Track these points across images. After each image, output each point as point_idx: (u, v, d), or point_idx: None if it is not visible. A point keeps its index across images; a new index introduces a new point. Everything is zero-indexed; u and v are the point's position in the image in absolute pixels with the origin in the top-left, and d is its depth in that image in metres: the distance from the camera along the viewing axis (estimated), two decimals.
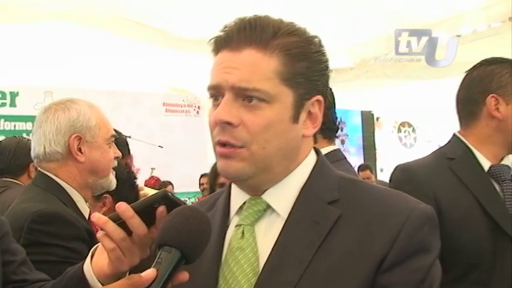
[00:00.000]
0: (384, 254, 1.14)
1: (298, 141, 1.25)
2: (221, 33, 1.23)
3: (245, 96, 1.18)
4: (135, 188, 2.88)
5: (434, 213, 1.22)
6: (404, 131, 13.36)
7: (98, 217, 1.21)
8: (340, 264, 1.15)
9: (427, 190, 1.98)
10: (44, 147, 2.08)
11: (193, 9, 6.94)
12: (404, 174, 2.12)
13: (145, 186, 5.35)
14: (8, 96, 8.92)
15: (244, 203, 1.27)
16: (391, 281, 1.13)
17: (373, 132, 12.44)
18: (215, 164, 1.26)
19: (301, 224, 1.21)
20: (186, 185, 8.64)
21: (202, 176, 7.31)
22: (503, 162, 2.12)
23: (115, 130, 2.30)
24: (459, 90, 2.20)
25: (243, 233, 1.24)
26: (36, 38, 7.96)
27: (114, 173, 2.24)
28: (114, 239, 1.19)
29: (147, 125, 9.50)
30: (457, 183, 2.05)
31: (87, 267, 1.26)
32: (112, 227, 1.19)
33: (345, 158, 2.39)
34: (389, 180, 2.19)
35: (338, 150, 2.36)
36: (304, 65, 1.22)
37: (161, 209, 1.19)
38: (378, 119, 12.66)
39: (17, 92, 8.95)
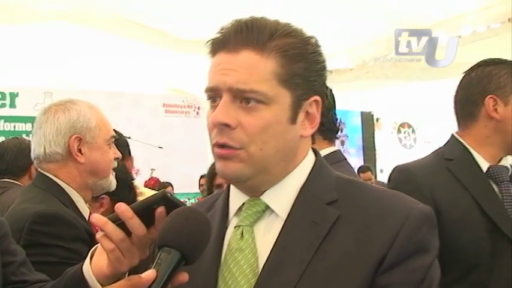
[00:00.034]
0: (383, 254, 1.14)
1: (296, 142, 1.25)
2: (218, 35, 1.23)
3: (243, 97, 1.18)
4: (132, 189, 2.87)
5: (432, 213, 1.22)
6: (404, 132, 13.37)
7: (97, 218, 1.21)
8: (340, 265, 1.15)
9: (426, 191, 1.98)
10: (44, 148, 2.08)
11: (193, 10, 6.94)
12: (402, 175, 2.12)
13: (145, 187, 5.36)
14: (8, 97, 8.92)
15: (243, 204, 1.28)
16: (391, 281, 1.14)
17: (373, 133, 12.45)
18: (212, 165, 1.27)
19: (300, 224, 1.21)
20: (186, 185, 8.65)
21: (202, 176, 7.31)
22: (502, 163, 2.12)
23: (115, 131, 2.30)
24: (457, 91, 2.21)
25: (242, 233, 1.24)
26: (36, 38, 7.96)
27: (114, 173, 2.24)
28: (113, 239, 1.19)
29: (146, 125, 9.51)
30: (455, 184, 2.05)
31: (87, 268, 1.26)
32: (111, 227, 1.19)
33: (345, 159, 2.39)
34: (388, 181, 2.19)
35: (338, 151, 2.36)
36: (302, 65, 1.22)
37: (160, 209, 1.19)
38: (377, 119, 12.67)
39: (17, 93, 8.96)
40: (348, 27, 7.25)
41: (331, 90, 2.32)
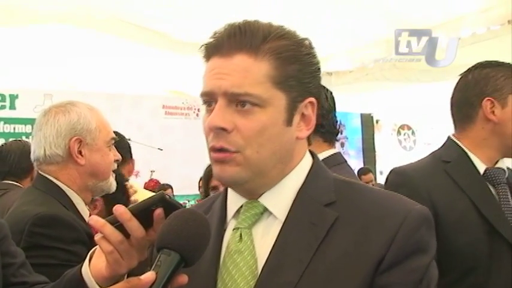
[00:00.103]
0: (382, 254, 1.15)
1: (292, 144, 1.26)
2: (211, 40, 1.23)
3: (238, 101, 1.19)
4: (126, 191, 2.86)
5: (430, 214, 1.23)
6: (404, 134, 13.36)
7: (96, 220, 1.21)
8: (339, 266, 1.16)
9: (423, 193, 1.98)
10: (44, 150, 2.08)
11: (193, 12, 6.95)
12: (399, 178, 2.12)
13: (145, 188, 5.35)
14: (8, 99, 8.89)
15: (241, 206, 1.28)
16: (390, 281, 1.14)
17: (373, 135, 12.43)
18: (208, 167, 1.28)
19: (298, 226, 1.22)
20: (186, 187, 8.63)
21: (201, 178, 7.29)
22: (498, 165, 2.13)
23: (117, 133, 2.30)
24: (454, 93, 2.21)
25: (240, 236, 1.24)
26: (36, 40, 7.98)
27: (114, 175, 2.24)
28: (111, 241, 1.19)
29: (146, 127, 9.48)
30: (452, 186, 2.05)
31: (86, 269, 1.26)
32: (110, 229, 1.19)
33: (346, 161, 2.39)
34: (385, 183, 2.19)
35: (338, 153, 2.36)
36: (296, 67, 1.22)
37: (158, 211, 1.19)
38: (377, 121, 12.66)
39: (17, 95, 8.93)
40: (347, 28, 7.26)
41: (331, 93, 2.33)
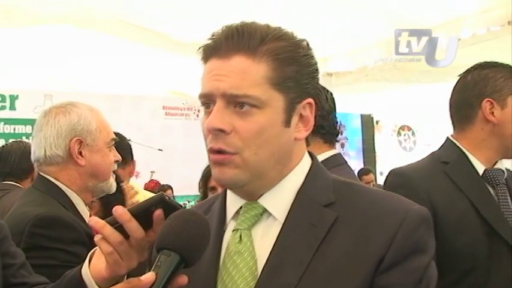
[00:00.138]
0: (382, 255, 1.16)
1: (291, 145, 1.26)
2: (209, 42, 1.24)
3: (236, 102, 1.19)
4: (122, 192, 2.85)
5: (429, 214, 1.24)
6: (404, 135, 13.36)
7: (95, 221, 1.21)
8: (339, 266, 1.16)
9: (422, 194, 1.98)
10: (45, 151, 2.08)
11: (193, 13, 6.95)
12: (398, 179, 2.12)
13: (145, 189, 5.35)
14: (8, 99, 8.89)
15: (241, 207, 1.28)
16: (390, 281, 1.15)
17: (373, 136, 12.44)
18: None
19: (298, 227, 1.22)
20: (186, 188, 8.62)
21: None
22: (497, 166, 2.13)
23: (118, 134, 2.30)
24: (453, 94, 2.21)
25: (240, 237, 1.25)
26: (36, 41, 7.98)
27: (114, 176, 2.24)
28: (111, 242, 1.19)
29: (146, 128, 9.48)
30: (451, 187, 2.05)
31: (85, 270, 1.26)
32: (109, 230, 1.19)
33: (346, 162, 2.39)
34: (384, 184, 2.19)
35: (339, 154, 2.36)
36: (294, 68, 1.23)
37: (158, 212, 1.19)
38: (377, 122, 12.67)
39: (17, 95, 8.93)
40: (348, 28, 7.26)
41: (331, 94, 2.32)
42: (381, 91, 9.90)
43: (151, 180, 8.33)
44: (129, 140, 4.10)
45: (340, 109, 2.40)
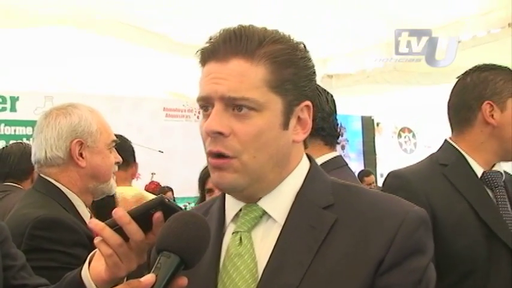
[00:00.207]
0: (382, 256, 1.16)
1: (289, 148, 1.27)
2: (207, 45, 1.24)
3: (235, 105, 1.19)
4: (113, 196, 2.83)
5: (427, 216, 1.24)
6: (405, 137, 13.36)
7: (95, 223, 1.22)
8: (339, 268, 1.17)
9: (421, 196, 1.98)
10: (45, 152, 2.08)
11: (194, 14, 6.96)
12: (397, 181, 2.11)
13: (146, 191, 5.35)
14: (8, 101, 8.91)
15: (240, 210, 1.29)
16: (390, 282, 1.16)
17: (373, 138, 12.44)
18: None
19: (298, 229, 1.23)
20: (186, 189, 8.62)
21: None
22: (495, 169, 2.13)
23: (120, 136, 2.30)
24: (451, 96, 2.20)
25: (240, 239, 1.25)
26: (37, 42, 7.99)
27: (114, 177, 2.24)
28: (111, 245, 1.20)
29: (147, 129, 9.48)
30: (450, 190, 2.05)
31: (85, 272, 1.26)
32: (109, 233, 1.19)
33: (347, 164, 2.38)
34: (382, 186, 2.19)
35: (340, 156, 2.35)
36: (291, 71, 1.23)
37: (158, 214, 1.20)
38: (378, 124, 12.67)
39: (17, 97, 8.94)
40: (348, 32, 7.26)
41: (331, 96, 2.32)
42: (382, 93, 9.90)
43: (152, 182, 8.34)
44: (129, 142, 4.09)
45: (340, 111, 2.40)
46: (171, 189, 8.03)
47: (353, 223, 1.21)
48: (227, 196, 1.33)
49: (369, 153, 12.22)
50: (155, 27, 7.75)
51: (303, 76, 1.26)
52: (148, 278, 1.10)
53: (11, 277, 1.61)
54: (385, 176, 2.23)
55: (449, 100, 2.21)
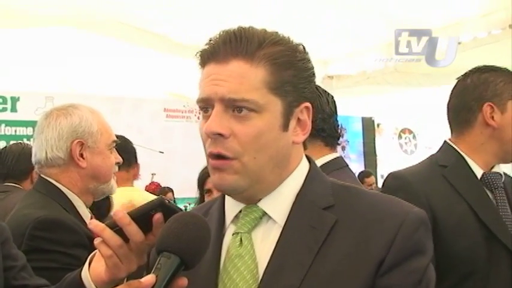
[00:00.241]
0: (382, 257, 1.17)
1: (289, 149, 1.27)
2: (206, 47, 1.25)
3: (235, 107, 1.20)
4: (108, 198, 2.83)
5: (427, 217, 1.25)
6: (405, 138, 13.36)
7: (95, 224, 1.22)
8: (340, 268, 1.17)
9: (422, 197, 1.97)
10: (46, 153, 2.08)
11: (194, 15, 6.95)
12: (397, 182, 2.11)
13: (146, 191, 5.35)
14: (9, 101, 8.92)
15: (240, 211, 1.29)
16: (390, 283, 1.16)
17: (374, 139, 12.44)
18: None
19: (298, 230, 1.23)
20: (187, 190, 8.60)
21: None
22: (494, 170, 2.12)
23: (123, 137, 2.29)
24: (451, 98, 2.20)
25: (241, 240, 1.25)
26: (38, 43, 7.99)
27: (115, 178, 2.24)
28: (111, 246, 1.20)
29: (147, 130, 9.49)
30: (450, 191, 2.04)
31: (85, 273, 1.27)
32: (109, 234, 1.20)
33: (347, 165, 2.38)
34: (382, 187, 2.19)
35: (340, 157, 2.35)
36: (291, 73, 1.24)
37: (158, 216, 1.20)
38: (378, 125, 12.67)
39: (18, 97, 8.95)
40: (348, 33, 7.25)
41: (332, 97, 2.32)
42: (382, 94, 9.89)
43: (152, 182, 8.33)
44: None
45: (341, 112, 2.40)
46: (171, 190, 8.03)
47: (353, 224, 1.22)
48: (227, 197, 1.34)
49: (370, 154, 12.22)
50: (156, 28, 7.75)
51: (302, 78, 1.26)
52: (149, 278, 1.10)
53: (12, 278, 1.61)
54: (385, 177, 2.22)
55: (449, 101, 2.21)
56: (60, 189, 2.09)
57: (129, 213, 1.20)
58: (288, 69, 1.23)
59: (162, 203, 1.20)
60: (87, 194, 2.15)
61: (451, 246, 1.96)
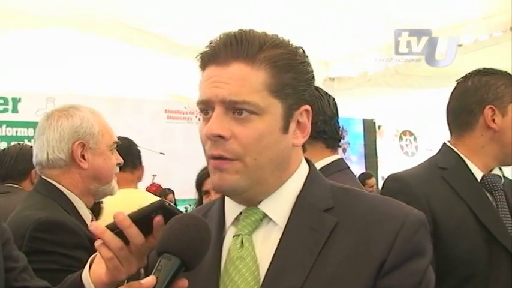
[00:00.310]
0: (383, 258, 1.17)
1: (289, 151, 1.28)
2: (207, 49, 1.25)
3: (235, 109, 1.20)
4: (98, 202, 2.81)
5: (426, 219, 1.25)
6: (406, 140, 13.37)
7: (96, 226, 1.22)
8: (341, 270, 1.18)
9: (422, 200, 1.97)
10: (47, 154, 2.08)
11: (195, 16, 6.95)
12: (397, 184, 2.10)
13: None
14: (10, 102, 8.93)
15: (240, 213, 1.29)
16: (391, 284, 1.17)
17: (375, 141, 12.45)
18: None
19: (299, 231, 1.23)
20: (187, 191, 8.58)
21: None
22: (493, 172, 2.12)
23: (127, 139, 2.29)
24: (451, 100, 2.20)
25: (241, 242, 1.25)
26: (38, 44, 7.99)
27: (116, 179, 2.24)
28: (111, 248, 1.20)
29: (148, 131, 9.49)
30: (450, 193, 2.04)
31: (86, 275, 1.27)
32: (109, 236, 1.20)
33: (348, 167, 2.38)
34: (381, 189, 2.19)
35: (341, 159, 2.35)
36: (291, 75, 1.24)
37: (158, 218, 1.20)
38: (379, 127, 12.68)
39: (19, 98, 8.97)
40: (349, 35, 7.25)
41: (333, 99, 2.32)
42: (383, 96, 9.89)
43: (153, 183, 8.33)
44: None
45: (342, 114, 2.40)
46: (172, 192, 8.03)
47: (353, 226, 1.22)
48: (226, 199, 1.34)
49: (370, 156, 12.23)
50: (156, 29, 7.75)
51: (302, 80, 1.27)
52: (149, 280, 1.10)
53: (13, 279, 1.61)
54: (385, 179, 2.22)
55: (449, 103, 2.21)
56: (61, 191, 2.09)
57: (129, 216, 1.20)
58: (288, 72, 1.24)
59: (163, 205, 1.21)
60: (88, 195, 2.15)
61: (451, 248, 1.96)
